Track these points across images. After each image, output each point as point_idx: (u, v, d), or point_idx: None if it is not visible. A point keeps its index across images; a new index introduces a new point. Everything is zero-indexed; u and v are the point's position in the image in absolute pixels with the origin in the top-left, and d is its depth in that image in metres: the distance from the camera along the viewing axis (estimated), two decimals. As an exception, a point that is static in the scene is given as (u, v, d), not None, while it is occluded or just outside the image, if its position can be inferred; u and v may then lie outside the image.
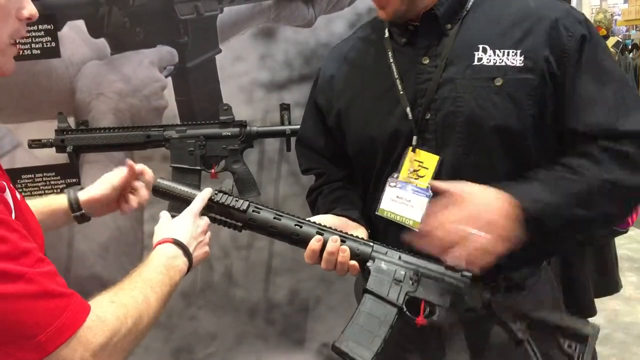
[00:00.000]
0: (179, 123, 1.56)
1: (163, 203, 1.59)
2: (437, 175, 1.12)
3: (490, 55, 1.10)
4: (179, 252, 1.04)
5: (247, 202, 1.14)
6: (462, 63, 1.12)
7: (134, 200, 1.26)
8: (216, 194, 1.16)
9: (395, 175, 1.16)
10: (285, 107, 1.60)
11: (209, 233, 1.14)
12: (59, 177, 1.59)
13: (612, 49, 5.82)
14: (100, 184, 1.23)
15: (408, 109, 1.14)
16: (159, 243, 1.05)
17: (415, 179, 1.14)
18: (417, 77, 1.15)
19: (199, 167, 1.52)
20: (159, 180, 1.21)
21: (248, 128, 1.54)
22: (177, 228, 1.08)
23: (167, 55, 1.56)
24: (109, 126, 1.53)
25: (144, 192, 1.27)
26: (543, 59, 1.08)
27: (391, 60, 1.19)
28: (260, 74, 1.62)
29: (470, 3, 1.16)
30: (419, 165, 1.14)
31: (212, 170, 1.53)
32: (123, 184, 1.25)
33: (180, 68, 1.57)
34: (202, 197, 1.15)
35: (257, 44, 1.61)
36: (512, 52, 1.09)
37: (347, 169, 1.32)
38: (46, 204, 1.19)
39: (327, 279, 1.76)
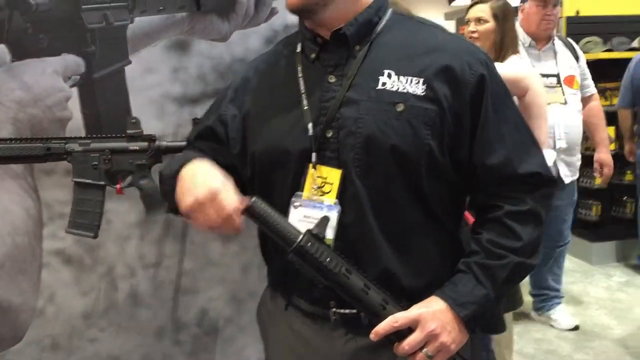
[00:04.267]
0: (82, 136, 1.48)
1: (63, 219, 1.52)
2: (342, 190, 1.12)
3: (394, 81, 1.12)
4: None
5: (341, 265, 1.08)
6: (367, 85, 1.13)
7: None
8: (311, 245, 1.07)
9: (299, 194, 1.15)
10: (197, 122, 1.55)
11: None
12: (-51, 190, 1.48)
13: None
14: None
15: (310, 125, 1.14)
16: None
17: (321, 195, 1.13)
18: (322, 95, 1.15)
19: (103, 183, 1.45)
20: (256, 199, 1.09)
21: (157, 143, 1.49)
22: None
23: (72, 65, 1.49)
24: (6, 137, 1.43)
25: None
26: (443, 92, 1.11)
27: (300, 75, 1.18)
28: (173, 87, 1.57)
29: (381, 27, 1.17)
30: (323, 182, 1.13)
31: (118, 186, 1.47)
32: None
33: (86, 78, 1.50)
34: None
35: (170, 56, 1.56)
36: (415, 80, 1.11)
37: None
38: None
39: (238, 298, 1.72)
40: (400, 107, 1.10)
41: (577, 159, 3.14)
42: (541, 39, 3.08)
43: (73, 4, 1.46)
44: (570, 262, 4.45)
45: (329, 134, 1.13)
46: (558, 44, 3.15)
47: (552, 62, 3.09)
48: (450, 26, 9.34)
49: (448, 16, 8.96)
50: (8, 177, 1.49)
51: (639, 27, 4.39)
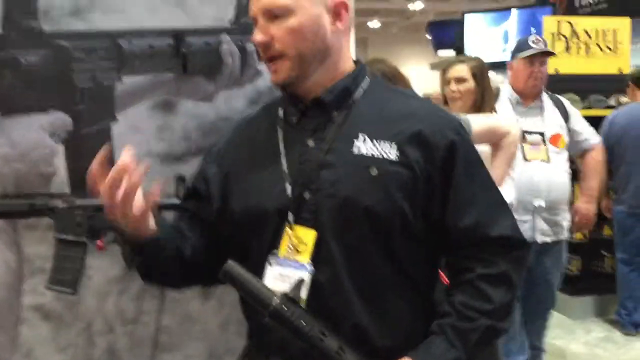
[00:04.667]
0: (66, 192, 1.50)
1: (44, 274, 1.52)
2: (317, 249, 1.16)
3: (369, 145, 1.18)
4: None
5: (316, 327, 1.11)
6: (343, 149, 1.18)
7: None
8: (286, 308, 1.11)
9: (275, 253, 1.18)
10: (180, 179, 1.58)
11: None
12: None
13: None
14: None
15: (288, 186, 1.17)
16: None
17: (297, 253, 1.17)
18: (301, 158, 1.20)
19: (84, 240, 1.46)
20: (231, 263, 1.13)
21: (140, 200, 1.51)
22: None
23: (59, 121, 1.52)
24: (-10, 193, 1.45)
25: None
26: (416, 157, 1.16)
27: (280, 137, 1.23)
28: (157, 145, 1.60)
29: (358, 94, 1.23)
30: (298, 241, 1.17)
31: (100, 242, 1.48)
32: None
33: (73, 135, 1.53)
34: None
35: (156, 115, 1.60)
36: (389, 144, 1.17)
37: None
38: None
39: (216, 355, 1.72)
40: (374, 171, 1.15)
41: (562, 218, 3.10)
42: (529, 96, 3.11)
43: (63, 63, 1.50)
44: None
45: (307, 196, 1.17)
46: (547, 102, 3.16)
47: (538, 119, 3.11)
48: (436, 76, 9.52)
49: (433, 66, 9.19)
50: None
51: (615, 85, 4.53)
